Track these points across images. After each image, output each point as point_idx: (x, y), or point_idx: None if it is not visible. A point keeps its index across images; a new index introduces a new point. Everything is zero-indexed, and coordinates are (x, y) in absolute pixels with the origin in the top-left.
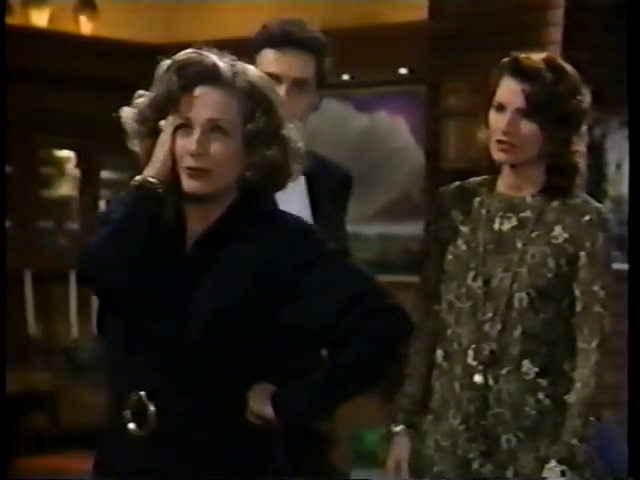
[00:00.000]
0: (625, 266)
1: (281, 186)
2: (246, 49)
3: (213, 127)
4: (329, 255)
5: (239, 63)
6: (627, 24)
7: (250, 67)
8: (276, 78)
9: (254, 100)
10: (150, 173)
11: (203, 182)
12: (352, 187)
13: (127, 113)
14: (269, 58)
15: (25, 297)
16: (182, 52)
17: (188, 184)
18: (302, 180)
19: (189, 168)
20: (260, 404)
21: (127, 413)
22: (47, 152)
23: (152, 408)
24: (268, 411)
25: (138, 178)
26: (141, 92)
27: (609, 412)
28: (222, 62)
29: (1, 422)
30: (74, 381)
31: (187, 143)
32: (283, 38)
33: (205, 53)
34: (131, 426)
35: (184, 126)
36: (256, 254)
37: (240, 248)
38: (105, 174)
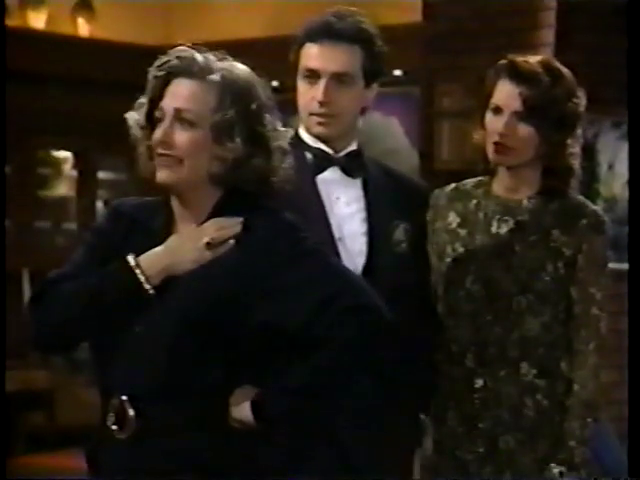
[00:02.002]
0: (618, 265)
1: (260, 184)
2: (291, 45)
3: (180, 118)
4: (308, 253)
5: (228, 59)
6: (627, 25)
7: (239, 65)
8: (315, 73)
9: (226, 93)
10: (147, 270)
11: (172, 172)
12: (424, 203)
13: (132, 118)
14: (309, 53)
15: (23, 296)
16: (167, 53)
17: (159, 175)
18: (359, 181)
19: (158, 155)
20: (240, 410)
21: (111, 415)
22: (45, 153)
23: (131, 412)
24: (248, 417)
25: (136, 272)
26: (143, 100)
27: (604, 412)
28: (203, 56)
29: None
30: (71, 379)
31: (156, 131)
32: (321, 31)
33: (187, 49)
34: (114, 427)
35: (161, 120)
36: (236, 253)
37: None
38: (102, 174)
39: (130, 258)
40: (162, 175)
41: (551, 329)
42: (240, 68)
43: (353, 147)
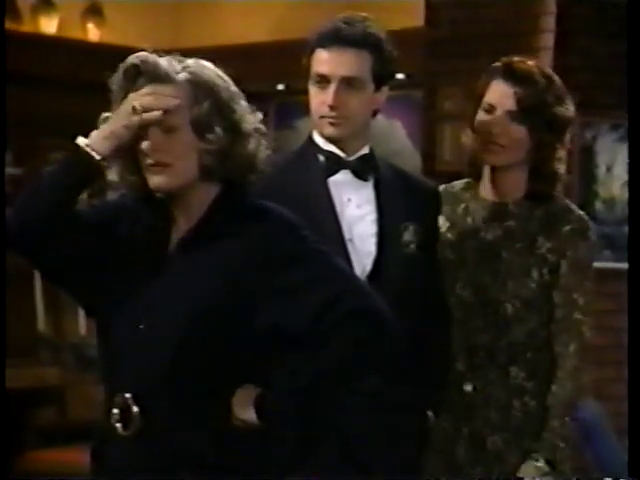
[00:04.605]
0: (615, 265)
1: (246, 171)
2: (304, 51)
3: (164, 126)
4: (311, 252)
5: (188, 60)
6: (627, 27)
7: (200, 61)
8: (325, 78)
9: (196, 88)
10: (92, 142)
11: (165, 177)
12: (436, 204)
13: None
14: (319, 58)
15: (35, 295)
16: (126, 60)
17: (152, 182)
18: (370, 184)
19: (148, 164)
20: (243, 410)
21: (115, 412)
22: (56, 155)
23: (135, 409)
24: (251, 416)
25: (80, 142)
26: (108, 115)
27: (601, 408)
28: (165, 61)
29: (10, 416)
30: (81, 376)
31: (144, 142)
32: (331, 37)
33: (146, 54)
34: (117, 425)
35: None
36: (238, 252)
37: (222, 246)
38: (111, 176)
39: (80, 139)
40: (155, 182)
41: (537, 334)
42: (203, 63)
43: (365, 150)
